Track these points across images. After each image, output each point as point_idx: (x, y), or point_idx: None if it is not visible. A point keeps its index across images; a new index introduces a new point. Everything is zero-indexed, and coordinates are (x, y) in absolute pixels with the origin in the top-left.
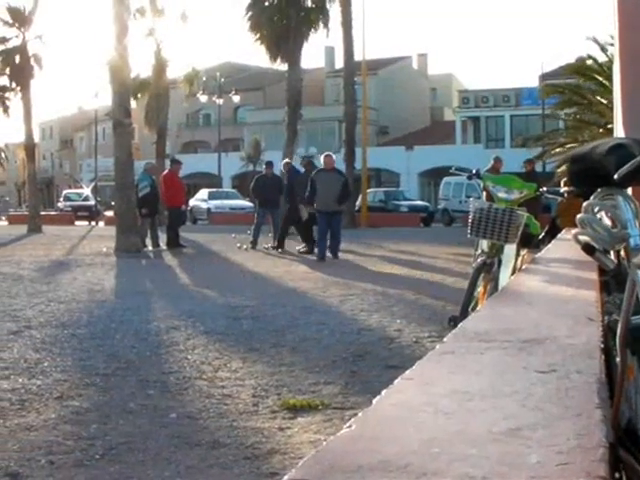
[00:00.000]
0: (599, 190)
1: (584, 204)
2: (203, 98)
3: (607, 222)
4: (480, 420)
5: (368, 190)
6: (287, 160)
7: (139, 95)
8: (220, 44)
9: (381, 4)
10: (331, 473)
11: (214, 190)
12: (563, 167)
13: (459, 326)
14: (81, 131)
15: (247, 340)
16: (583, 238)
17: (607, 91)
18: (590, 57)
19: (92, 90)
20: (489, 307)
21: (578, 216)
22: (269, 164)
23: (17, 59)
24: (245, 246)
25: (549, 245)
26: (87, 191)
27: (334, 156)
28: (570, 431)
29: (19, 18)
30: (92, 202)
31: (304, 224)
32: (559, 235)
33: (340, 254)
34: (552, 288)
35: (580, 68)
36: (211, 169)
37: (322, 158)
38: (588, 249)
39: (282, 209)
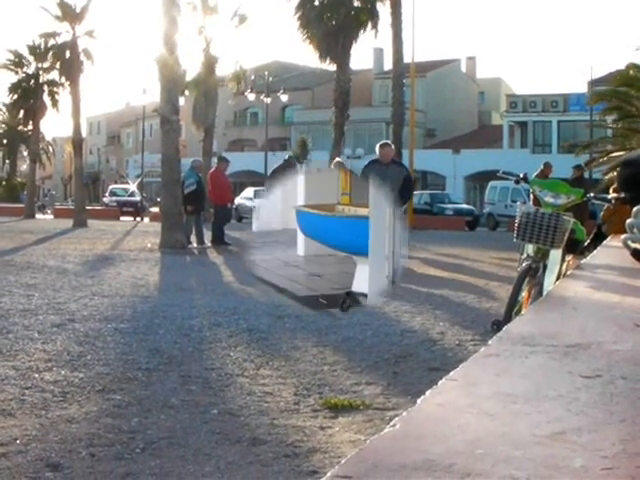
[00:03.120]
0: None
1: (634, 209)
2: (251, 96)
3: None
4: (524, 423)
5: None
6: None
7: (187, 92)
8: (269, 43)
9: (431, 7)
10: (375, 471)
11: (260, 189)
12: (610, 173)
13: (504, 330)
14: (128, 127)
15: (290, 338)
16: (633, 244)
17: None
18: (635, 66)
19: (140, 86)
20: (534, 311)
21: (627, 221)
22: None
23: (67, 54)
24: None
25: (594, 251)
26: (133, 187)
27: (392, 146)
28: (615, 436)
29: (70, 13)
30: (138, 198)
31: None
32: (604, 242)
33: None
34: (598, 294)
35: (626, 77)
36: (257, 168)
37: (377, 148)
38: (637, 254)
39: None
